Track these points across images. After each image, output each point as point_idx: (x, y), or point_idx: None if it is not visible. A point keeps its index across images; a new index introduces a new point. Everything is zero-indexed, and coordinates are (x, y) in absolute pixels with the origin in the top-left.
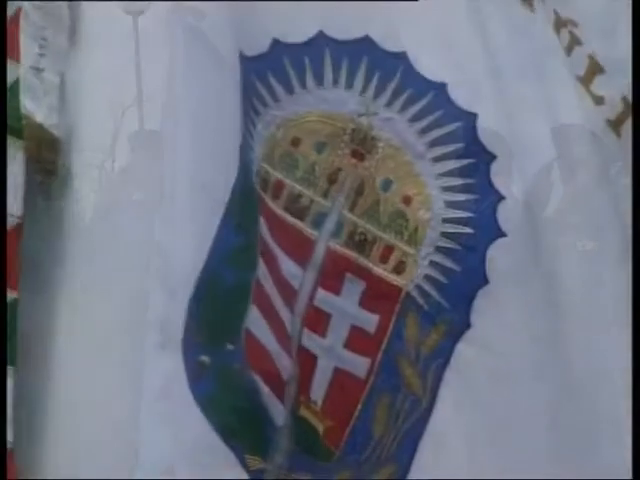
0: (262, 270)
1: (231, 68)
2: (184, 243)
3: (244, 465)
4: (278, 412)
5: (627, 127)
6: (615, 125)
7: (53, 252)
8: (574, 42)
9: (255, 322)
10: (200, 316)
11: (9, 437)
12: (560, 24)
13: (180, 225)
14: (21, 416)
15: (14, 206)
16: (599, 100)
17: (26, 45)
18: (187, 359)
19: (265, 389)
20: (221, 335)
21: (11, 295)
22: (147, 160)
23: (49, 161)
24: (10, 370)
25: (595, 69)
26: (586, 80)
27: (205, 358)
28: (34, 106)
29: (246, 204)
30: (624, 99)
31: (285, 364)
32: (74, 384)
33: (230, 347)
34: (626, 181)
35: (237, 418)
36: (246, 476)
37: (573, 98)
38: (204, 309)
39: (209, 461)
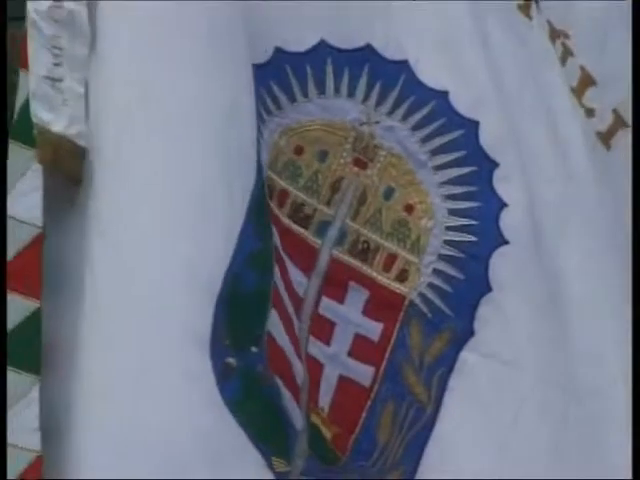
0: (277, 275)
1: (245, 71)
2: (207, 246)
3: (271, 467)
4: (297, 416)
5: (617, 140)
6: (605, 138)
7: (79, 257)
8: (567, 53)
9: (274, 326)
10: (226, 319)
11: (37, 445)
12: (554, 35)
13: (203, 228)
14: (47, 421)
15: (34, 216)
16: (590, 112)
17: (37, 56)
18: (215, 361)
19: (286, 393)
20: (246, 338)
21: (34, 304)
22: (167, 163)
23: (73, 169)
24: (35, 379)
25: (587, 81)
26: (578, 92)
27: (231, 360)
28: (51, 116)
29: (261, 208)
30: (615, 111)
31: (299, 369)
32: (98, 386)
33: (254, 350)
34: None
35: (263, 420)
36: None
37: (569, 107)
38: (229, 312)
39: (237, 462)
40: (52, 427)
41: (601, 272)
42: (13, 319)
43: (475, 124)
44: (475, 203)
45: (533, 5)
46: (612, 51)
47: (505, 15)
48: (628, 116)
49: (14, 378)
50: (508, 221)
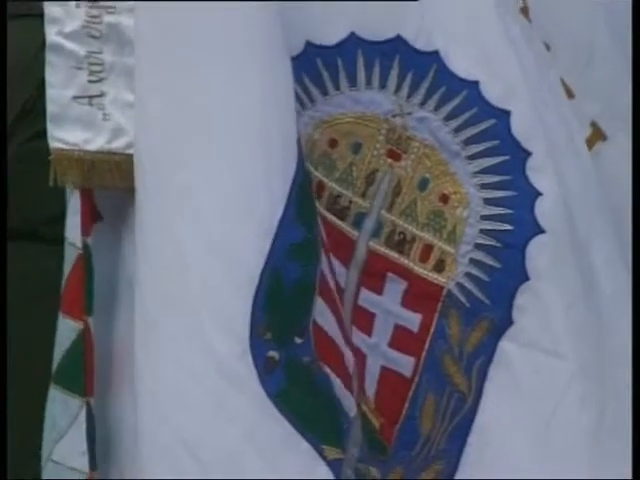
0: (325, 264)
1: (283, 62)
2: (246, 239)
3: (321, 455)
4: (350, 404)
5: (595, 152)
6: None
7: (128, 271)
8: None
9: (321, 314)
10: (266, 312)
11: (86, 466)
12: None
13: (240, 222)
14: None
15: (76, 237)
16: None
17: (65, 78)
18: (255, 355)
19: (337, 381)
20: (288, 329)
21: (78, 326)
22: (204, 158)
23: (118, 181)
24: (82, 402)
25: (566, 93)
26: None
27: (274, 353)
28: (88, 134)
29: (305, 197)
30: (593, 124)
31: (349, 357)
32: (150, 401)
33: (299, 341)
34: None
35: (312, 410)
36: (324, 465)
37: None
38: (269, 306)
39: (288, 454)
40: (108, 445)
41: (624, 270)
42: (65, 342)
43: (506, 114)
44: (510, 192)
45: (530, 11)
46: (591, 65)
47: (515, 15)
48: (607, 128)
49: (66, 401)
50: (543, 210)
